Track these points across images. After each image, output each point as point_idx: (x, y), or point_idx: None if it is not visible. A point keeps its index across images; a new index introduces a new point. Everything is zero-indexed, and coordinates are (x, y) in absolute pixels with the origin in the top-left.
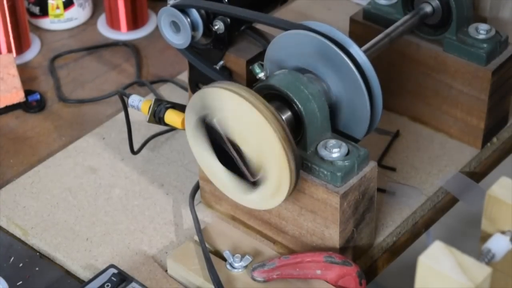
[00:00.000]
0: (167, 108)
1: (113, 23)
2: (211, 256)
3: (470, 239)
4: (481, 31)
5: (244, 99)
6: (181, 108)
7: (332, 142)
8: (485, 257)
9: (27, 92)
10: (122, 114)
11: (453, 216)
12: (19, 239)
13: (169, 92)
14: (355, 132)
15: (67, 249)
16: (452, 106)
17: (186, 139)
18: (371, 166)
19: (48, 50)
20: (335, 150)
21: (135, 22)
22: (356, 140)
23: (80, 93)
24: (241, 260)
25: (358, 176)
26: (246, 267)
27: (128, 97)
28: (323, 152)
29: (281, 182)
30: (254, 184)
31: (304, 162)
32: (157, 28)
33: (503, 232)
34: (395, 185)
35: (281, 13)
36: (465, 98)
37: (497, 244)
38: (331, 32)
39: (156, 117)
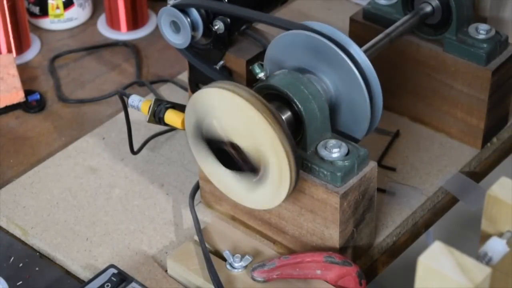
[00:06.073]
0: (167, 108)
1: (113, 23)
2: (211, 256)
3: (470, 239)
4: (481, 31)
5: (244, 99)
6: (181, 108)
7: (332, 142)
8: (482, 260)
9: (27, 92)
10: (122, 114)
11: (453, 216)
12: (19, 239)
13: (169, 92)
14: (355, 132)
15: (67, 249)
16: (452, 106)
17: (186, 139)
18: (371, 166)
19: (48, 50)
20: (335, 150)
21: (135, 22)
22: (356, 140)
23: (80, 93)
24: (241, 260)
25: (358, 176)
26: (246, 267)
27: (128, 97)
28: (323, 152)
29: (281, 182)
30: (256, 177)
31: (304, 162)
32: (157, 28)
33: (501, 234)
34: (395, 185)
35: (281, 13)
36: (465, 98)
37: (494, 248)
38: (331, 32)
39: (156, 117)
